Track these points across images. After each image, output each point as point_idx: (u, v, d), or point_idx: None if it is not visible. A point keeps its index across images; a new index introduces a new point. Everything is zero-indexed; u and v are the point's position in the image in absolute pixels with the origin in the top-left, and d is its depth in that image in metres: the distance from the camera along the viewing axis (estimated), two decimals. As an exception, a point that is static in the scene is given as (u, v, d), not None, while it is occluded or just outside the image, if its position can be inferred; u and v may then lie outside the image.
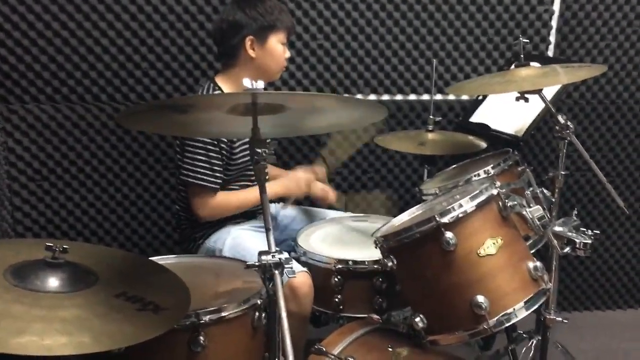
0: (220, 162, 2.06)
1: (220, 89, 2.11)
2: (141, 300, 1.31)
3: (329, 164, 2.50)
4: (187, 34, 2.53)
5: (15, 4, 2.37)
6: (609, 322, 3.08)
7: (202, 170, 2.03)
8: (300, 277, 1.89)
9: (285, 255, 1.30)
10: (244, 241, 2.08)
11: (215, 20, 2.15)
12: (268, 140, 1.40)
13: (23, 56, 2.43)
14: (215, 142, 2.02)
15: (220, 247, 2.11)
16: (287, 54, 2.18)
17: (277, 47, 2.12)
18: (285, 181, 2.25)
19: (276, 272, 1.27)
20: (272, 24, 2.09)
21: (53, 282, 1.28)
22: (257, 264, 1.29)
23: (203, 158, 2.03)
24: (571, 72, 2.03)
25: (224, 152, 2.06)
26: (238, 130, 1.49)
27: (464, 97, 2.80)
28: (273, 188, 2.19)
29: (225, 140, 2.05)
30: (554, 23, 2.77)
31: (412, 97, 2.78)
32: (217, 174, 2.05)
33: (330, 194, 2.37)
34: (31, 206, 2.59)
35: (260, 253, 1.30)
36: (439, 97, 2.78)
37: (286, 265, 1.28)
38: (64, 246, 1.32)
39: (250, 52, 2.08)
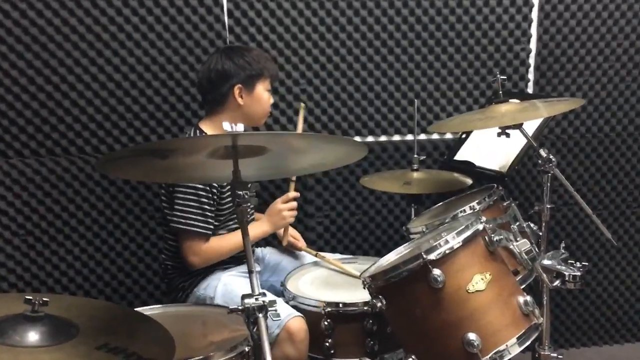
0: (212, 208, 2.06)
1: (205, 134, 2.13)
2: (124, 352, 1.27)
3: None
4: (171, 83, 2.55)
5: (-1, 61, 2.40)
6: (606, 357, 3.03)
7: (193, 217, 2.03)
8: (297, 323, 1.89)
9: (270, 297, 1.28)
10: (236, 288, 2.06)
11: (201, 69, 2.19)
12: (249, 184, 1.40)
13: (7, 112, 2.44)
14: (208, 188, 2.03)
15: (211, 294, 2.09)
16: (272, 100, 2.23)
17: (263, 94, 2.17)
18: (269, 217, 2.24)
19: (260, 315, 1.25)
20: (260, 73, 2.14)
21: (32, 336, 1.23)
22: (240, 307, 1.27)
23: (194, 204, 2.03)
24: (550, 106, 2.07)
25: (215, 197, 2.06)
26: (220, 174, 1.49)
27: (448, 136, 2.82)
28: (260, 228, 2.22)
29: (217, 185, 2.05)
30: (531, 61, 2.82)
31: (396, 137, 2.80)
32: (209, 220, 2.06)
33: (300, 242, 2.42)
34: (16, 262, 2.55)
35: (244, 296, 1.28)
36: (422, 137, 2.80)
37: (270, 308, 1.26)
38: (44, 299, 1.29)
39: (239, 100, 2.12)
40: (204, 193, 2.03)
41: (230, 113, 2.13)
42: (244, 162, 1.42)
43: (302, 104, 2.45)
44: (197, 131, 2.14)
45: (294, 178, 2.42)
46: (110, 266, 2.64)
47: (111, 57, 2.48)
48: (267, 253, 2.44)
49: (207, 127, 2.15)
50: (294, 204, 2.29)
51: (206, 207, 2.04)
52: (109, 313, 1.46)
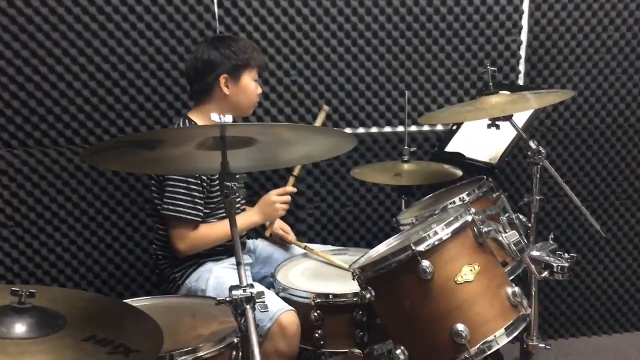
0: (201, 195, 2.07)
1: (194, 123, 2.12)
2: (111, 343, 1.26)
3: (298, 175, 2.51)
4: (160, 74, 2.53)
5: (-14, 50, 2.37)
6: (595, 348, 3.06)
7: (183, 204, 2.03)
8: (289, 317, 1.89)
9: (258, 289, 1.28)
10: (227, 280, 2.05)
11: (189, 59, 2.19)
12: (237, 175, 1.39)
13: (-6, 102, 2.42)
14: (197, 175, 2.03)
15: (202, 287, 2.09)
16: (259, 91, 2.22)
17: (250, 84, 2.16)
18: (260, 208, 2.24)
19: (248, 306, 1.24)
20: (246, 63, 2.13)
21: (19, 327, 1.23)
22: (227, 299, 1.26)
23: (184, 191, 2.03)
24: (540, 98, 2.07)
25: (204, 184, 2.07)
26: (209, 166, 1.48)
27: (439, 128, 2.82)
28: (251, 217, 2.22)
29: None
30: (522, 53, 2.82)
31: (387, 129, 2.80)
32: (198, 207, 2.06)
33: (290, 236, 2.43)
34: (4, 253, 2.54)
35: (231, 288, 1.28)
36: (413, 128, 2.80)
37: (258, 300, 1.26)
38: (31, 290, 1.28)
39: (225, 90, 2.11)
40: (193, 180, 2.04)
41: (217, 103, 2.13)
42: (233, 153, 1.41)
43: (327, 107, 2.57)
44: (187, 121, 2.14)
45: (295, 173, 2.41)
46: (100, 258, 2.63)
47: (100, 47, 2.46)
48: (259, 245, 2.43)
49: (196, 118, 2.15)
50: (288, 198, 2.29)
51: (195, 194, 2.04)
52: (96, 305, 1.46)
